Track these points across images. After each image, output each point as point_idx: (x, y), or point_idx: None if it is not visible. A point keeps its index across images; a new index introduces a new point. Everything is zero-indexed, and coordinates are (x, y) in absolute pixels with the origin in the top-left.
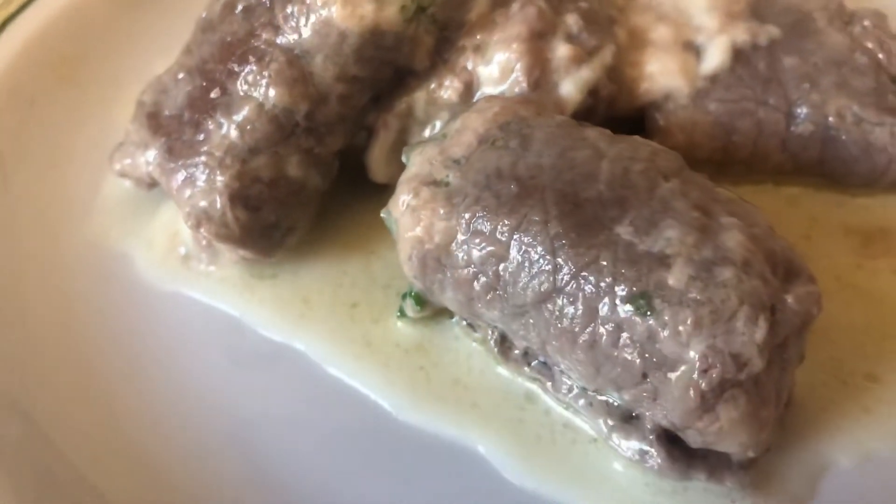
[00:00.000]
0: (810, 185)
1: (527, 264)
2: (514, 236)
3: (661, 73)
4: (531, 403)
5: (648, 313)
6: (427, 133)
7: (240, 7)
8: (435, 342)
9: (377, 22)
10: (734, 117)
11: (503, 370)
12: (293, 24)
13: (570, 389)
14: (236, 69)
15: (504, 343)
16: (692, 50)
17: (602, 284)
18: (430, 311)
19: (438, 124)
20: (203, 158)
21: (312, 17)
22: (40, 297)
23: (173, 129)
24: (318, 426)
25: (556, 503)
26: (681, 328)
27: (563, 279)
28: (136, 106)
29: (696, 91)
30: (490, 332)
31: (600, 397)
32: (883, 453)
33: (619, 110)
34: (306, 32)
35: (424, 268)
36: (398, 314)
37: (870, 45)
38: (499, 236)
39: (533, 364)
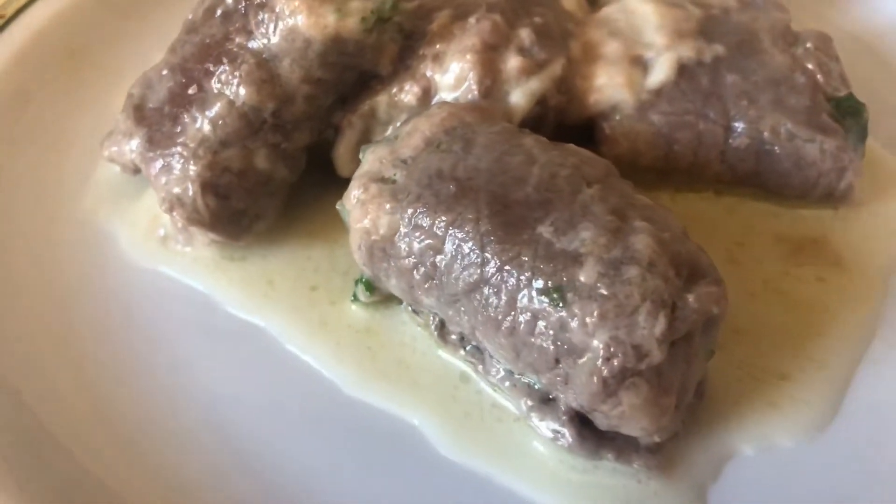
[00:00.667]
0: (748, 196)
1: (459, 257)
2: (450, 231)
3: (609, 86)
4: (465, 384)
5: (561, 305)
6: (384, 134)
7: (219, 12)
8: (384, 325)
9: (339, 31)
10: (675, 129)
11: (443, 353)
12: (263, 30)
13: (498, 372)
14: (212, 69)
15: (443, 328)
16: (640, 65)
17: (522, 278)
18: (380, 296)
19: (399, 125)
20: (179, 149)
21: (280, 25)
22: (30, 273)
23: (155, 120)
24: (274, 397)
25: (480, 475)
26: (588, 319)
27: (489, 272)
28: (126, 98)
29: (641, 103)
30: (431, 318)
31: (523, 379)
32: (784, 445)
33: (569, 119)
34: (275, 38)
35: (371, 257)
36: (352, 298)
37: (810, 65)
38: (436, 231)
39: (468, 348)
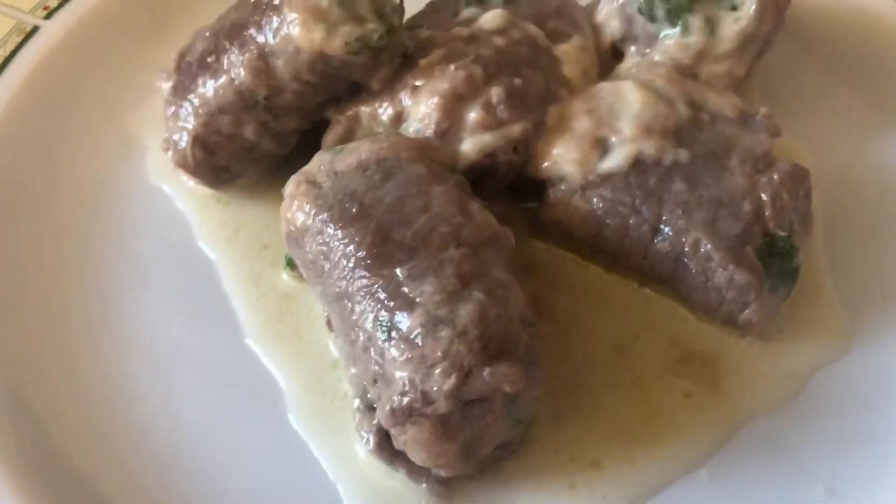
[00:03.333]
0: (668, 295)
1: (337, 269)
2: (339, 245)
3: (562, 159)
4: (333, 370)
5: (386, 338)
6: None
7: (252, 0)
8: (302, 299)
9: (323, 48)
10: (608, 214)
11: (329, 339)
12: (269, 28)
13: (352, 370)
14: (227, 47)
15: (330, 320)
16: (601, 147)
17: (370, 304)
18: (299, 274)
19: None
20: (187, 103)
21: (282, 29)
22: (74, 157)
23: (185, 73)
24: (194, 322)
25: (310, 446)
26: (399, 358)
27: (351, 289)
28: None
29: (586, 182)
30: (325, 308)
31: (364, 383)
32: None
33: (527, 174)
34: (276, 39)
35: (289, 242)
36: (284, 267)
37: (764, 197)
38: (330, 241)
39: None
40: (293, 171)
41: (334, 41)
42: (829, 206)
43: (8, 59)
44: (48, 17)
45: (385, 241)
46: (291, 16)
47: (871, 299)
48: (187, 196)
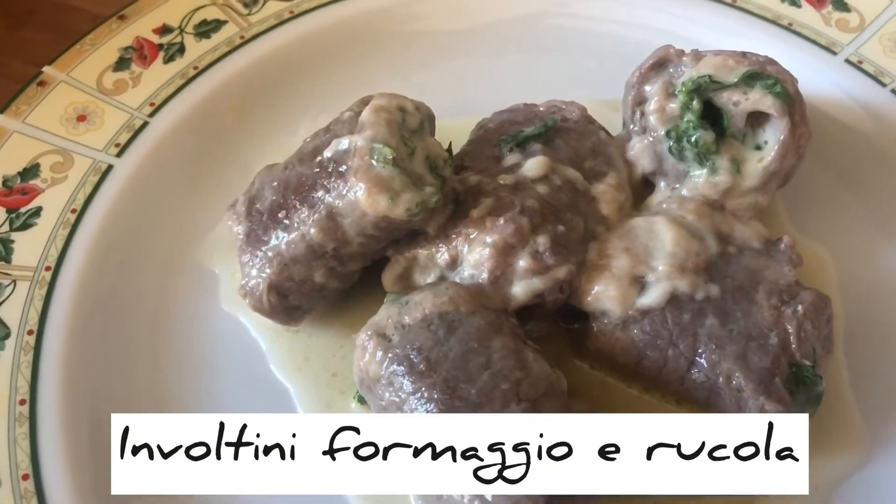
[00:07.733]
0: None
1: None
2: (409, 398)
3: (603, 295)
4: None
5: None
6: (421, 277)
7: (318, 158)
8: None
9: (387, 213)
10: (647, 347)
11: None
12: (337, 192)
13: None
14: (297, 206)
15: None
16: (638, 284)
17: None
18: (367, 407)
19: (431, 276)
20: (261, 254)
21: (348, 195)
22: (149, 288)
23: (256, 221)
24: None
25: None
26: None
27: None
28: (252, 180)
29: (627, 316)
30: None
31: None
32: None
33: (572, 304)
34: (343, 202)
35: (362, 387)
36: (354, 397)
37: (790, 328)
38: (400, 393)
39: None
40: (354, 301)
41: (398, 208)
42: (849, 313)
43: (89, 199)
44: (120, 154)
45: (452, 396)
46: (358, 185)
47: (889, 407)
48: (260, 325)
